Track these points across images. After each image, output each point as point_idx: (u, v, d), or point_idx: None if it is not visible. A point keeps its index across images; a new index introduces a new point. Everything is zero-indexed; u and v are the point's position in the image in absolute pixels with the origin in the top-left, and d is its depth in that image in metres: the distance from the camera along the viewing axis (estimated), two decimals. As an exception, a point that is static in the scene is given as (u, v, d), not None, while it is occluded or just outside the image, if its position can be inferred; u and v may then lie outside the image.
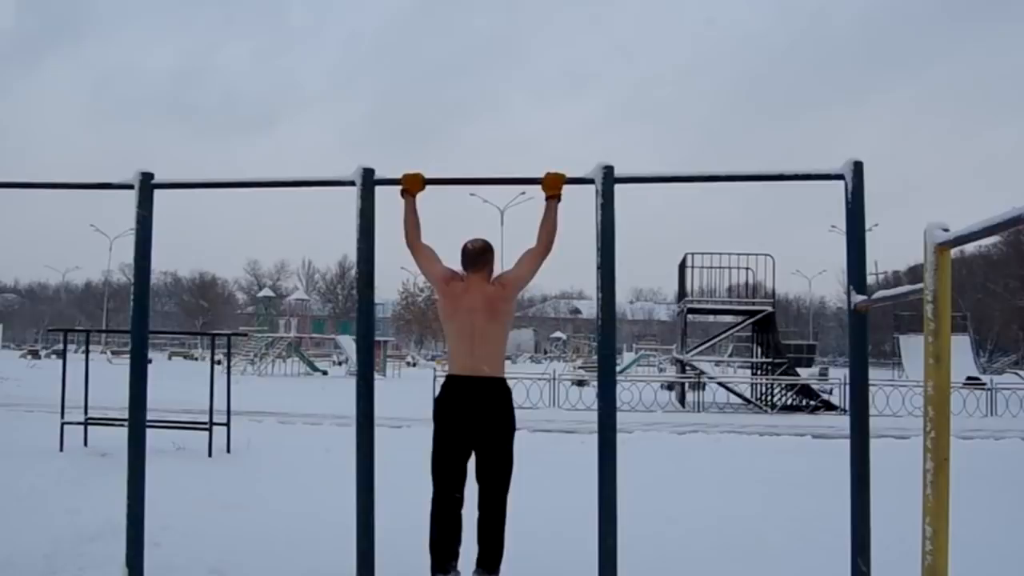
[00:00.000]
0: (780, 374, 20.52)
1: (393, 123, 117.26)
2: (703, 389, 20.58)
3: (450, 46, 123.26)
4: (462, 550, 3.93)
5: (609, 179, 3.72)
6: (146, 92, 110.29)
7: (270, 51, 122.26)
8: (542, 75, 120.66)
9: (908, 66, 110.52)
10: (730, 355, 29.11)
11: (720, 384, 21.12)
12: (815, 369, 37.12)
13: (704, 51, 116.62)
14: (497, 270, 4.13)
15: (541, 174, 3.94)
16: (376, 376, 4.14)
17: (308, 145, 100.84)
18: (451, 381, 3.93)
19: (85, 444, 9.23)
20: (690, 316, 22.34)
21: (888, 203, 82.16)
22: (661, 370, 37.92)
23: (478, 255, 4.00)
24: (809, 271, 65.39)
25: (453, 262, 4.13)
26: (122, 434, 4.10)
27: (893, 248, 60.92)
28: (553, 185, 3.90)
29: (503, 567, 3.92)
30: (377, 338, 19.44)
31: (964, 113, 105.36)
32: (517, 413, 4.05)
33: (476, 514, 3.91)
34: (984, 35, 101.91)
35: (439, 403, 3.95)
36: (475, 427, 3.85)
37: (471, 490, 3.95)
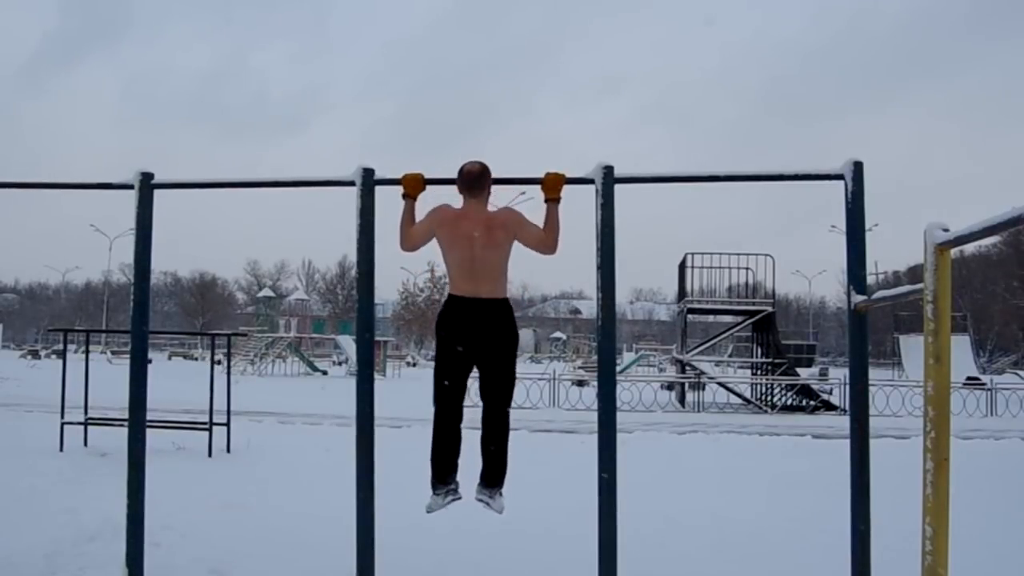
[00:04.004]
0: (780, 374, 20.52)
1: (419, 127, 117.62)
2: (703, 389, 20.57)
3: (479, 51, 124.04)
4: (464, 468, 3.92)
5: (609, 179, 3.72)
6: (177, 94, 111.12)
7: (303, 55, 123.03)
8: (570, 79, 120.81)
9: (930, 73, 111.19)
10: (730, 355, 29.10)
11: (720, 384, 21.11)
12: (815, 369, 37.13)
13: (730, 57, 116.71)
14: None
15: (541, 174, 3.94)
16: (376, 376, 4.14)
17: (334, 148, 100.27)
18: (452, 300, 3.88)
19: (85, 444, 9.24)
20: (690, 316, 22.34)
21: (908, 206, 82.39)
22: (661, 370, 37.88)
23: (475, 179, 3.86)
24: (809, 271, 65.45)
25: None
26: (122, 434, 4.10)
27: (893, 248, 60.97)
28: (553, 186, 3.88)
29: (503, 568, 3.93)
30: (377, 338, 19.40)
31: (976, 119, 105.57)
32: (517, 413, 4.05)
33: (480, 432, 3.88)
34: (1005, 44, 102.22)
35: (441, 319, 3.90)
36: (477, 342, 3.81)
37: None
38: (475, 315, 3.80)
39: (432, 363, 4.06)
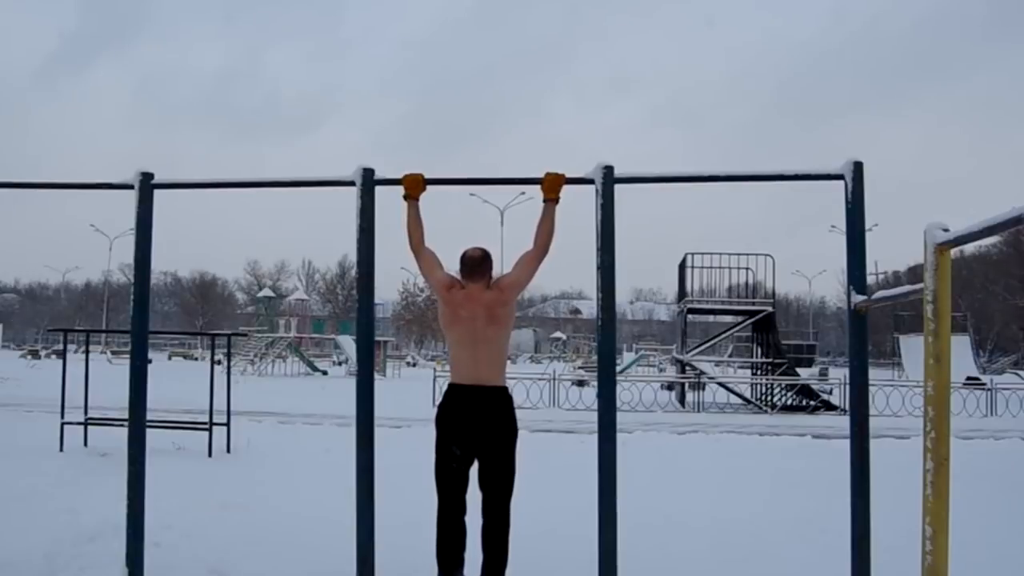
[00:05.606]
0: (780, 374, 20.51)
1: (431, 127, 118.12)
2: (703, 389, 20.56)
3: (492, 52, 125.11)
4: (468, 557, 3.94)
5: (609, 179, 3.72)
6: (189, 94, 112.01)
7: (318, 55, 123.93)
8: (581, 80, 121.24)
9: (934, 76, 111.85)
10: (730, 355, 29.10)
11: (720, 384, 21.11)
12: (815, 369, 37.13)
13: (742, 59, 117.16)
14: (496, 273, 4.12)
15: (540, 174, 3.94)
16: (376, 376, 4.14)
17: (345, 148, 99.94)
18: (453, 390, 3.95)
19: (85, 444, 9.23)
20: (690, 316, 22.33)
21: (908, 206, 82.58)
22: (661, 370, 37.88)
23: (476, 265, 3.98)
24: (809, 271, 65.48)
25: (454, 262, 4.13)
26: (122, 434, 4.10)
27: (893, 248, 60.95)
28: (552, 187, 3.89)
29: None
30: (377, 338, 19.40)
31: (978, 121, 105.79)
32: (517, 413, 4.06)
33: (480, 521, 3.91)
34: (1011, 47, 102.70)
35: (441, 412, 3.96)
36: (477, 435, 3.86)
37: (476, 498, 3.95)
38: (475, 405, 3.87)
39: (431, 363, 4.09)
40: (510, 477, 3.91)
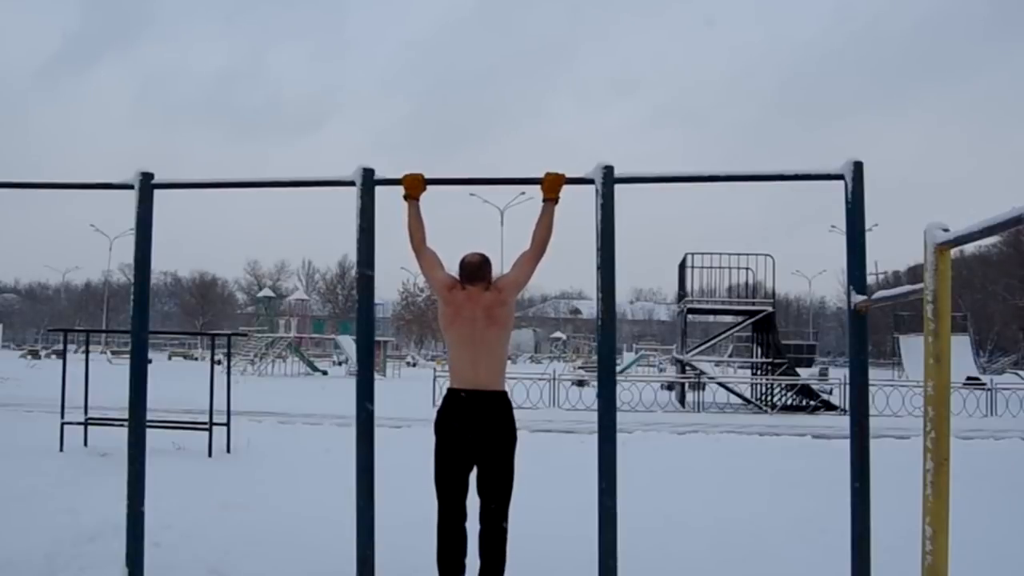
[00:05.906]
0: (780, 374, 20.51)
1: (434, 127, 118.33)
2: (703, 389, 20.56)
3: (494, 53, 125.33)
4: (467, 562, 3.94)
5: (609, 179, 3.72)
6: (192, 94, 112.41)
7: (321, 55, 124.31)
8: (584, 80, 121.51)
9: (936, 76, 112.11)
10: (730, 355, 29.09)
11: (720, 384, 21.11)
12: (815, 369, 37.14)
13: (744, 59, 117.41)
14: (495, 274, 4.12)
15: (541, 174, 3.94)
16: (376, 376, 4.14)
17: (347, 149, 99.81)
18: (452, 396, 3.93)
19: (85, 444, 9.24)
20: (690, 316, 22.33)
21: (908, 206, 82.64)
22: (661, 370, 37.87)
23: (476, 269, 3.98)
24: (809, 271, 65.50)
25: (454, 264, 4.13)
26: (122, 434, 4.10)
27: (893, 248, 60.95)
28: (552, 187, 3.89)
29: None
30: (377, 338, 19.40)
31: (979, 121, 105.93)
32: (517, 414, 4.05)
33: (478, 527, 3.89)
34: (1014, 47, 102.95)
35: (440, 417, 3.94)
36: (476, 441, 3.84)
37: (475, 503, 3.94)
38: (474, 411, 3.85)
39: (431, 363, 4.07)
40: (509, 483, 3.89)
